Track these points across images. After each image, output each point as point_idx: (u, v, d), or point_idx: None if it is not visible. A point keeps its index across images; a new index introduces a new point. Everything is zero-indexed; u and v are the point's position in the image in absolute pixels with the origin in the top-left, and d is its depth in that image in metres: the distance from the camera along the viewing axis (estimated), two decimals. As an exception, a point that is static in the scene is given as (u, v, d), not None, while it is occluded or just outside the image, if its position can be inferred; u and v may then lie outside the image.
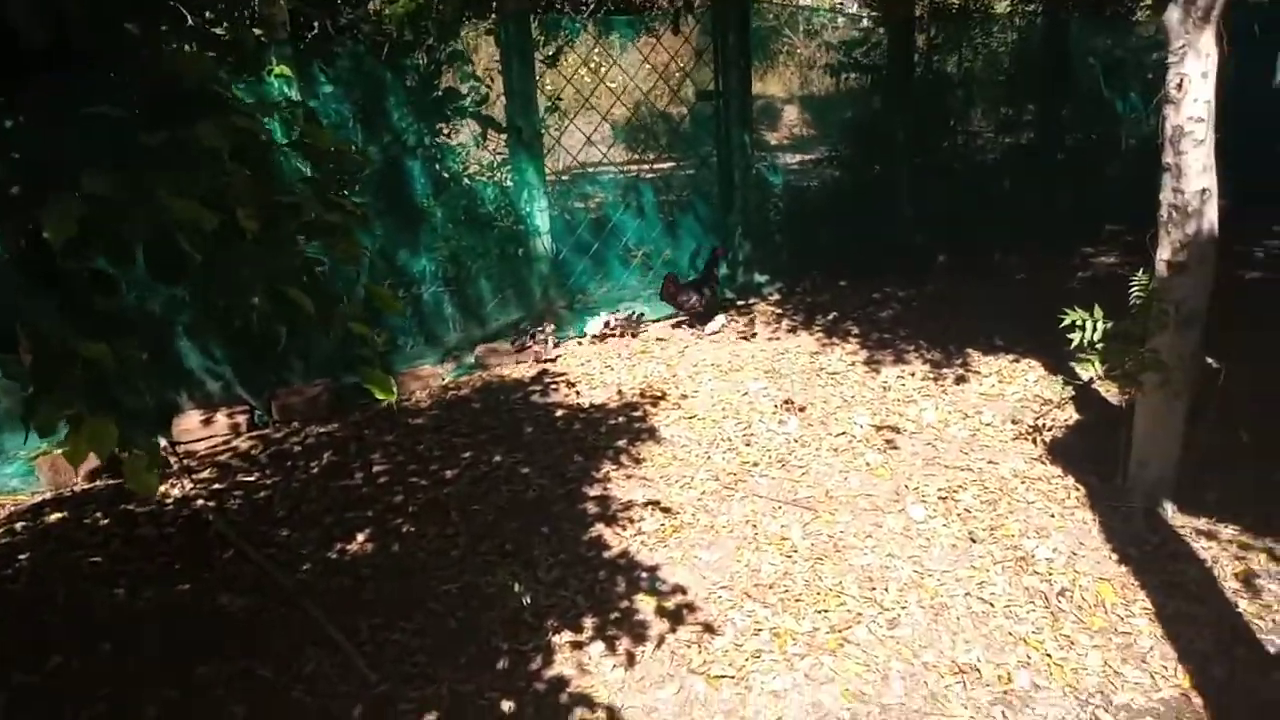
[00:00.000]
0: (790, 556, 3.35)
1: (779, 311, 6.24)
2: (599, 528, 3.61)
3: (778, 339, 5.69)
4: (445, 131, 5.35)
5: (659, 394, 4.88)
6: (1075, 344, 3.65)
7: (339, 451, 4.40)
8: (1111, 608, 2.98)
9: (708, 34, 6.26)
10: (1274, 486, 3.60)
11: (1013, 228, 7.70)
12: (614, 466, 4.11)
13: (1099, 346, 3.54)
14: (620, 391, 4.97)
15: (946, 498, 3.72)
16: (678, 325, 6.06)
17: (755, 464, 4.07)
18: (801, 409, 4.59)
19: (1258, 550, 3.24)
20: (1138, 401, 3.60)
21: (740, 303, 6.43)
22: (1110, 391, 4.60)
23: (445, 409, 4.89)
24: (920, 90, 7.26)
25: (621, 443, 4.33)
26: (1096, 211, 8.23)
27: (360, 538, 3.59)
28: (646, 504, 3.77)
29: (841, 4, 8.98)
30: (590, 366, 5.39)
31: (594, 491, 3.90)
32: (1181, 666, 2.69)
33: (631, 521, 3.64)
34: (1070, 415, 4.39)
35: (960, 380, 4.88)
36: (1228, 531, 3.36)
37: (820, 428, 4.39)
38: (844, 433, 4.31)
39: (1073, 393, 4.58)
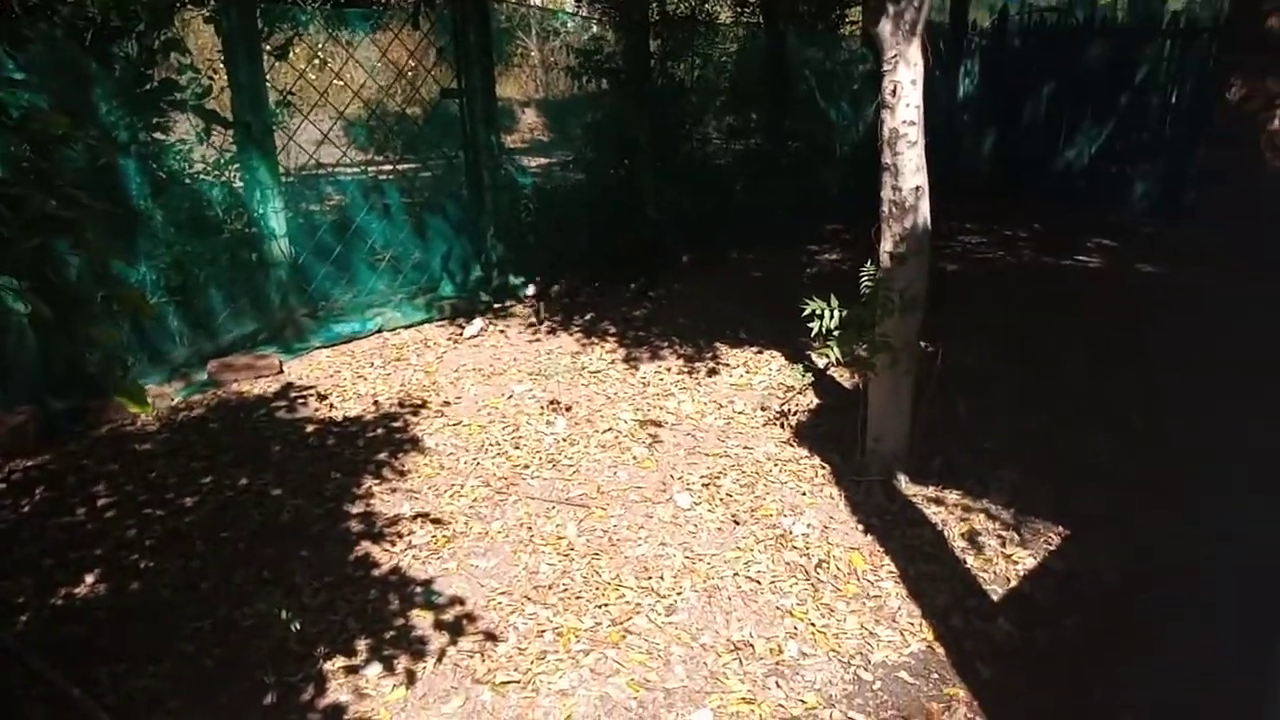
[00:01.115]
0: (568, 555, 3.37)
1: (537, 313, 6.25)
2: (365, 545, 3.44)
3: (539, 340, 5.71)
4: (163, 127, 4.88)
5: (419, 402, 4.74)
6: (815, 332, 3.94)
7: (54, 486, 3.89)
8: (862, 574, 3.26)
9: (449, 31, 6.16)
10: (985, 453, 4.09)
11: (746, 227, 8.24)
12: (376, 481, 3.94)
13: (835, 334, 3.84)
14: (376, 402, 4.77)
15: (709, 484, 3.90)
16: (438, 328, 5.92)
17: (526, 466, 4.05)
18: (568, 409, 4.63)
19: (976, 511, 3.66)
20: (870, 382, 3.96)
21: (497, 305, 6.39)
22: (844, 377, 5.03)
23: (178, 431, 4.46)
24: (658, 95, 7.56)
25: (383, 455, 4.16)
26: (818, 212, 8.98)
27: (89, 579, 3.20)
28: (415, 516, 3.64)
29: (578, 7, 9.14)
30: (341, 378, 5.13)
31: (356, 509, 3.72)
32: (925, 622, 2.99)
33: (400, 536, 3.51)
34: (811, 400, 4.75)
35: (712, 373, 5.13)
36: (952, 496, 3.77)
37: (587, 426, 4.46)
38: (610, 429, 4.40)
39: (811, 379, 4.96)
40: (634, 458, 4.14)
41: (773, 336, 5.71)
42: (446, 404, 4.73)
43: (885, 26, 3.52)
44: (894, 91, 3.59)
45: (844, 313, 3.90)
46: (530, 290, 6.62)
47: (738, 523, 3.60)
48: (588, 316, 6.18)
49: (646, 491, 3.84)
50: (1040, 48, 10.27)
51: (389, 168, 6.85)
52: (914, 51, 3.55)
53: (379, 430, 4.43)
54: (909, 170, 3.67)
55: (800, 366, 5.15)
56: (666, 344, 5.58)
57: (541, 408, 4.66)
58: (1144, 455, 4.04)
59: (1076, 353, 5.22)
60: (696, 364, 5.27)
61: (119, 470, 4.02)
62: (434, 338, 5.77)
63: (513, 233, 6.62)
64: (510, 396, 4.81)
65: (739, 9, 9.28)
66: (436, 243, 6.28)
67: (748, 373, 5.15)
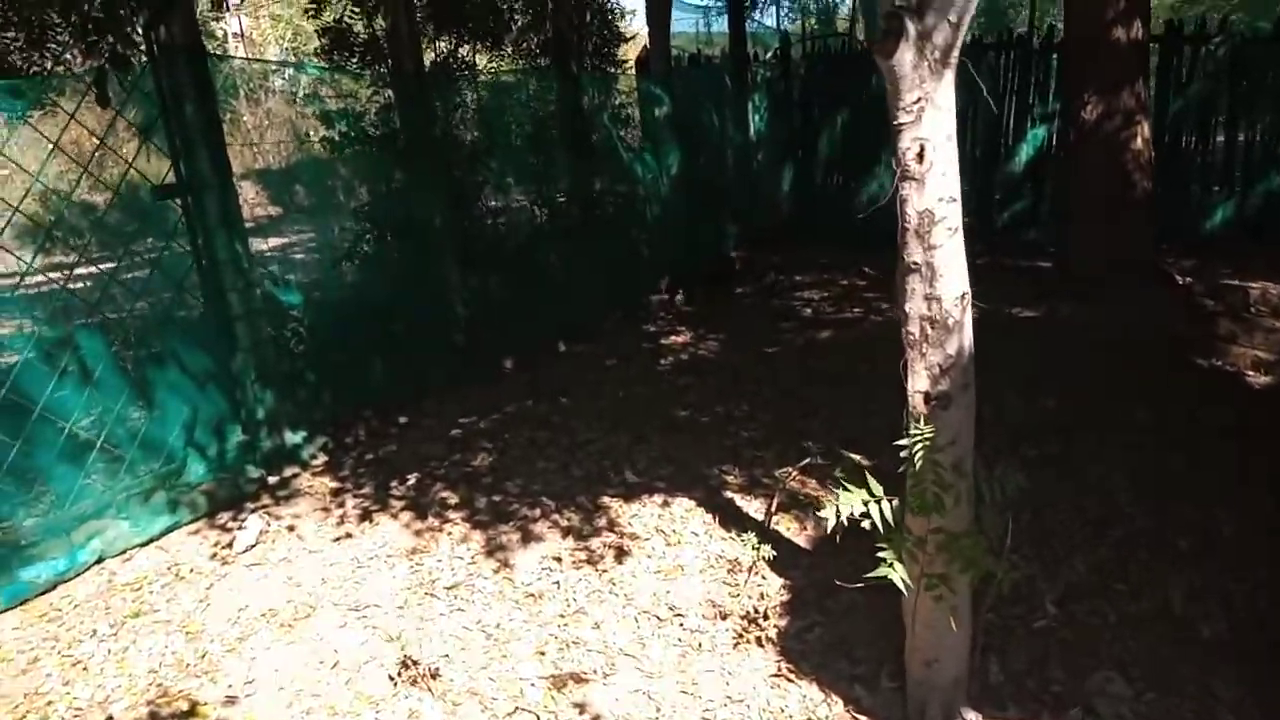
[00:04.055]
0: None
1: (337, 485, 4.46)
2: None
3: (351, 537, 3.93)
4: None
5: (184, 709, 2.87)
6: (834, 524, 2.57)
7: None
8: None
9: (156, 104, 4.26)
10: (1056, 641, 2.88)
11: (567, 310, 6.85)
12: None
13: (886, 534, 2.48)
14: (110, 718, 2.85)
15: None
16: (193, 539, 3.98)
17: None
18: (433, 674, 2.94)
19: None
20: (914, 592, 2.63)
21: (275, 481, 4.51)
22: (794, 530, 3.70)
23: None
24: (450, 163, 5.98)
25: None
26: (636, 281, 7.76)
27: None
28: None
29: (330, 61, 7.33)
30: (35, 677, 3.12)
31: None
32: None
33: None
34: (776, 585, 3.36)
35: (621, 554, 3.63)
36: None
37: (472, 703, 2.81)
38: (516, 709, 2.77)
39: (755, 540, 3.59)
40: (571, 764, 2.56)
41: (667, 473, 4.32)
42: (232, 700, 2.89)
43: (905, 56, 2.23)
44: (920, 154, 2.30)
45: (878, 498, 2.54)
46: (318, 448, 4.80)
47: None
48: (410, 479, 4.47)
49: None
50: (828, 76, 9.68)
51: (82, 304, 4.74)
52: (946, 92, 2.28)
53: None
54: (952, 271, 2.39)
55: (735, 532, 3.76)
56: (538, 512, 4.01)
57: (391, 677, 2.94)
58: None
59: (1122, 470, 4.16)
60: (591, 541, 3.73)
61: None
62: (189, 559, 3.83)
63: (282, 371, 4.78)
64: (335, 663, 3.04)
65: (518, 53, 7.89)
66: (172, 404, 4.31)
67: (668, 545, 3.69)
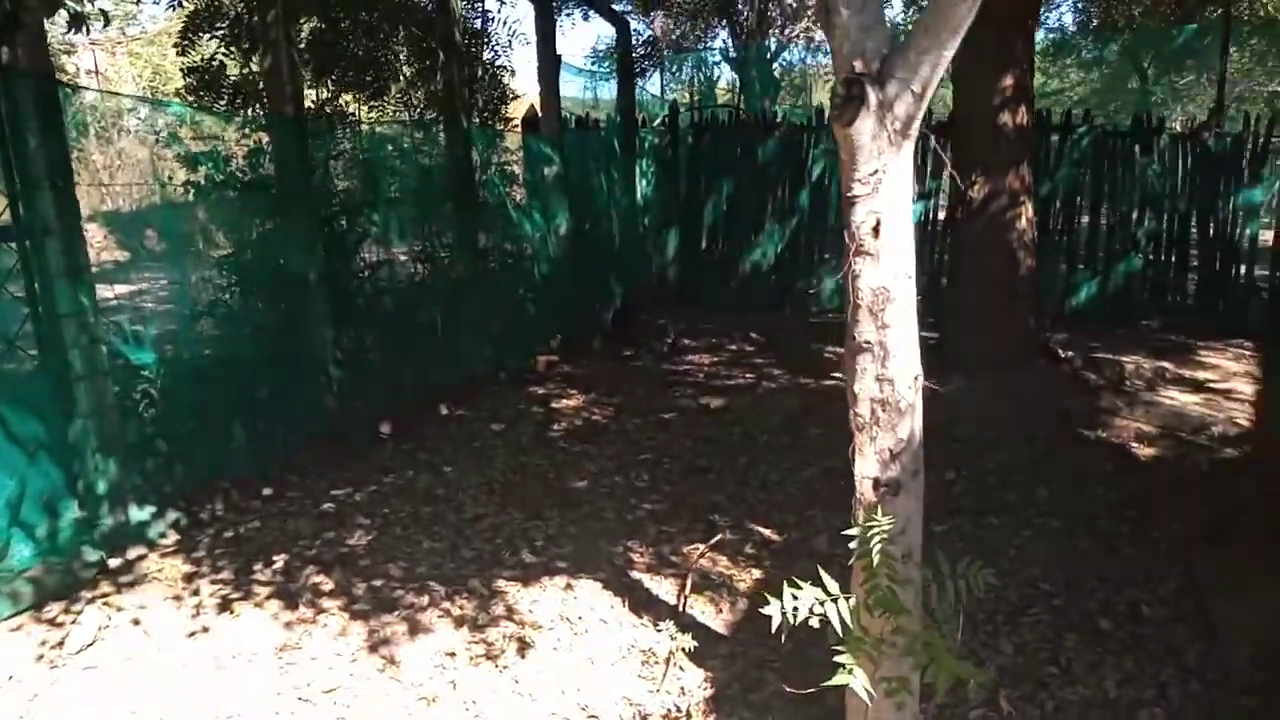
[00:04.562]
0: None
1: (191, 569, 3.95)
2: None
3: (208, 631, 3.44)
4: None
5: None
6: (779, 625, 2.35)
7: None
8: None
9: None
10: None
11: (450, 371, 6.53)
12: None
13: (845, 634, 2.26)
14: None
15: None
16: (15, 638, 3.40)
17: None
18: (310, 804, 2.53)
19: None
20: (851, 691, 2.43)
21: (117, 565, 3.95)
22: (709, 612, 3.48)
23: None
24: (329, 215, 5.61)
25: None
26: (523, 339, 7.50)
27: None
28: None
29: (195, 99, 6.82)
30: None
31: None
32: None
33: None
34: (697, 679, 3.11)
35: (523, 647, 3.30)
36: None
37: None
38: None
39: (673, 628, 3.34)
40: None
41: (570, 552, 4.03)
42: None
43: (864, 125, 2.10)
44: (876, 228, 2.17)
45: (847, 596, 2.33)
46: (168, 526, 4.27)
47: None
48: (277, 561, 4.00)
49: None
50: (715, 145, 9.79)
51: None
52: (904, 162, 2.17)
53: None
54: (903, 350, 2.26)
55: (649, 620, 3.50)
56: (425, 600, 3.63)
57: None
58: None
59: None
60: (489, 633, 3.39)
61: None
62: (9, 663, 3.25)
63: (129, 439, 4.25)
64: (189, 793, 2.59)
65: (402, 104, 7.59)
66: (-4, 476, 3.74)
67: (575, 634, 3.39)
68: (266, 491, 4.76)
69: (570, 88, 8.87)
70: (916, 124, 2.14)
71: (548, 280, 7.97)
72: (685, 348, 7.96)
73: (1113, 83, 18.42)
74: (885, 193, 2.16)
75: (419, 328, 6.53)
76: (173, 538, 4.24)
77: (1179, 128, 8.93)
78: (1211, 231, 8.18)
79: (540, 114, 8.65)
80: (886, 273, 2.20)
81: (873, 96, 2.08)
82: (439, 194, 6.77)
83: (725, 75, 16.91)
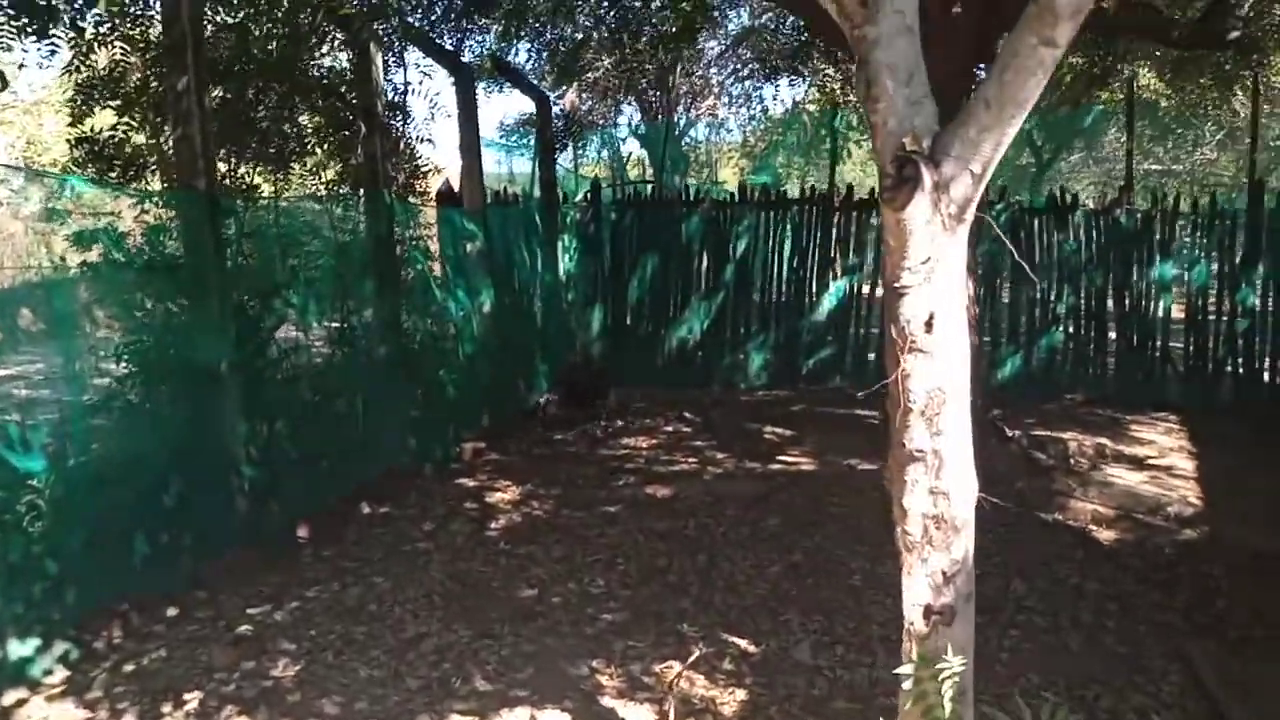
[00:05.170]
0: None
1: (86, 713, 3.36)
2: None
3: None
4: None
5: None
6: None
7: None
8: None
9: None
10: None
11: (370, 463, 6.06)
12: None
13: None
14: None
15: None
16: None
17: None
18: None
19: None
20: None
21: (-11, 716, 3.34)
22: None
23: None
24: (239, 294, 5.14)
25: None
26: (450, 428, 7.07)
27: None
28: None
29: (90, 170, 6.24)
30: None
31: None
32: None
33: None
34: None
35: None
36: None
37: None
38: None
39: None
40: None
41: (529, 676, 3.62)
42: None
43: (917, 209, 1.88)
44: (929, 323, 1.95)
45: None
46: (55, 661, 3.66)
47: None
48: (189, 700, 3.44)
49: None
50: (639, 221, 9.68)
51: None
52: (959, 249, 1.96)
53: None
54: (959, 459, 2.02)
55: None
56: (372, 743, 3.15)
57: None
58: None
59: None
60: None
61: None
62: None
63: (10, 560, 3.65)
64: None
65: (318, 176, 7.18)
66: None
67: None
68: (172, 612, 4.18)
69: (484, 161, 8.56)
70: (973, 208, 1.94)
71: (472, 361, 7.60)
72: (619, 429, 7.65)
73: (1004, 162, 19.27)
74: (939, 283, 1.95)
75: (338, 417, 6.05)
76: (61, 675, 3.63)
77: (1091, 204, 9.22)
78: (1127, 305, 8.41)
79: (459, 188, 8.37)
80: (942, 373, 1.97)
81: (928, 178, 1.87)
82: (360, 271, 6.36)
83: (635, 152, 17.01)
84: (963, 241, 1.95)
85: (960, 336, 1.97)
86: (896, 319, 1.97)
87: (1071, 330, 8.58)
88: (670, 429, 7.67)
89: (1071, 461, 6.09)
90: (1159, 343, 8.37)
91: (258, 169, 7.34)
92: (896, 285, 1.96)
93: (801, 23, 10.09)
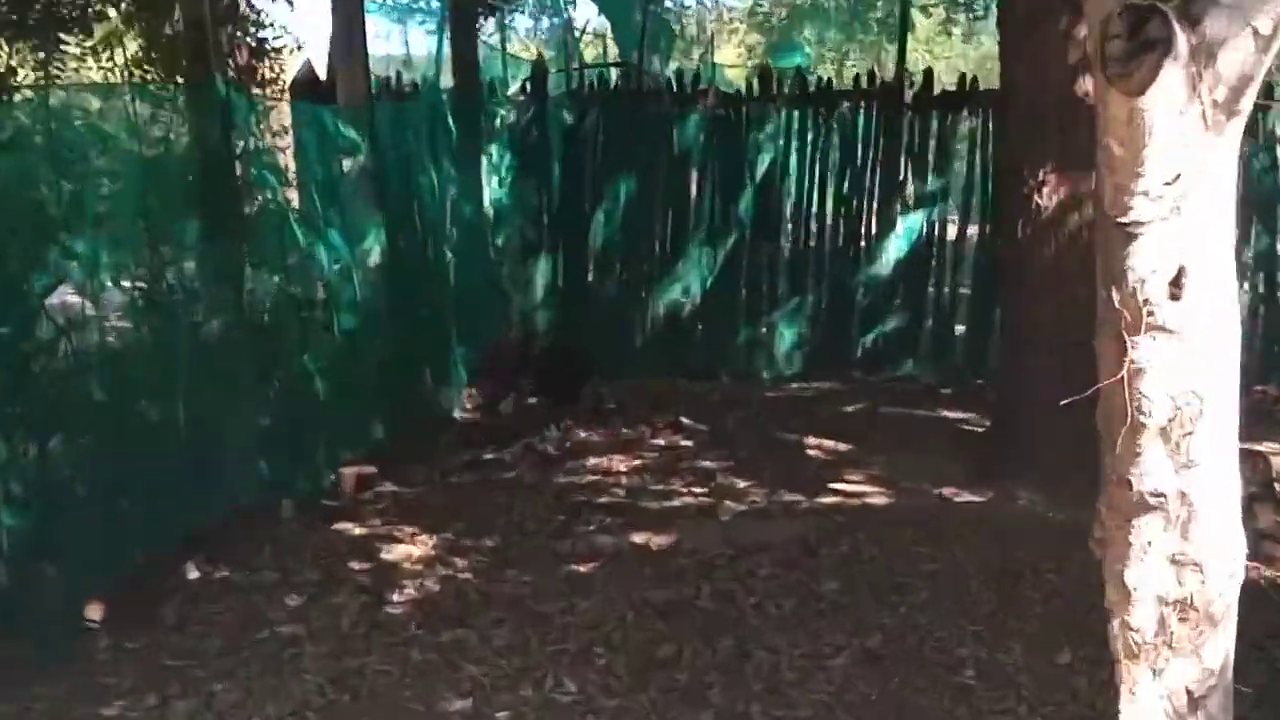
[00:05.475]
0: None
1: None
2: None
3: None
4: None
5: None
6: None
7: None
8: None
9: None
10: None
11: (200, 499, 6.02)
12: None
13: None
14: None
15: None
16: None
17: None
18: None
19: None
20: None
21: None
22: None
23: None
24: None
25: None
26: (320, 444, 7.12)
27: None
28: None
29: None
30: None
31: None
32: None
33: None
34: None
35: None
36: None
37: None
38: None
39: None
40: None
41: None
42: None
43: (1165, 91, 1.71)
44: (1177, 283, 1.80)
45: None
46: None
47: None
48: None
49: None
50: (607, 125, 9.59)
51: None
52: (1228, 161, 1.85)
53: None
54: (1220, 509, 1.91)
55: None
56: None
57: None
58: None
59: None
60: None
61: None
62: None
63: None
64: None
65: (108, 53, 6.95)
66: None
67: None
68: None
69: (368, 35, 8.46)
70: (1253, 93, 1.77)
71: (354, 341, 7.52)
72: (582, 443, 7.61)
73: None
74: (1196, 216, 1.78)
75: (148, 429, 5.86)
76: None
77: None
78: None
79: (328, 73, 8.30)
80: (1197, 366, 1.81)
81: (1182, 41, 1.68)
82: (179, 203, 6.20)
83: (592, 21, 16.95)
84: (1234, 149, 1.80)
85: (1228, 306, 1.82)
86: (1120, 276, 1.81)
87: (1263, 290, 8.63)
88: (660, 441, 7.68)
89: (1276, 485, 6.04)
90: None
91: (14, 46, 7.18)
92: (1119, 218, 1.80)
93: None
